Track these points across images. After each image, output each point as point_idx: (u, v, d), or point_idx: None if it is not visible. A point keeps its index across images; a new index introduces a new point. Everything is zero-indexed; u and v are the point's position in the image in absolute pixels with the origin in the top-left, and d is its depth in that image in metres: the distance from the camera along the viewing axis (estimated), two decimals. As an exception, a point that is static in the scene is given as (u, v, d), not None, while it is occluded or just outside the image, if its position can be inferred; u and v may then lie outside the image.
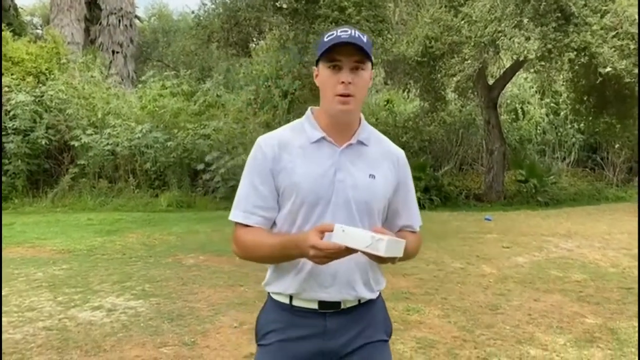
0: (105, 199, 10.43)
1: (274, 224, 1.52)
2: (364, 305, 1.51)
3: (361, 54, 1.42)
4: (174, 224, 7.47)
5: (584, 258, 5.44)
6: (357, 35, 1.44)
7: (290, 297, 1.50)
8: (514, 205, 10.68)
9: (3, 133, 10.06)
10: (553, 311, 3.94)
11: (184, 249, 5.89)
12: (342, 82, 1.42)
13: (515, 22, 6.82)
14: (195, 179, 10.83)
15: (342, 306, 1.48)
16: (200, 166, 10.33)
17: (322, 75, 1.46)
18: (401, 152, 1.62)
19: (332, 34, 1.43)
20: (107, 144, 10.57)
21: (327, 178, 1.46)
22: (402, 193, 1.59)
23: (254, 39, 9.75)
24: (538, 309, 3.97)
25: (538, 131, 14.93)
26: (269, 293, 1.56)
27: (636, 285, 4.54)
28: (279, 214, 1.51)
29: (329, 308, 1.47)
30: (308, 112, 1.59)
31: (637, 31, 6.27)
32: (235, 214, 1.51)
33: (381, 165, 1.55)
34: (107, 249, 5.97)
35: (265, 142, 1.51)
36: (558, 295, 4.34)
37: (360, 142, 1.53)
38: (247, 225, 1.49)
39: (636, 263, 5.26)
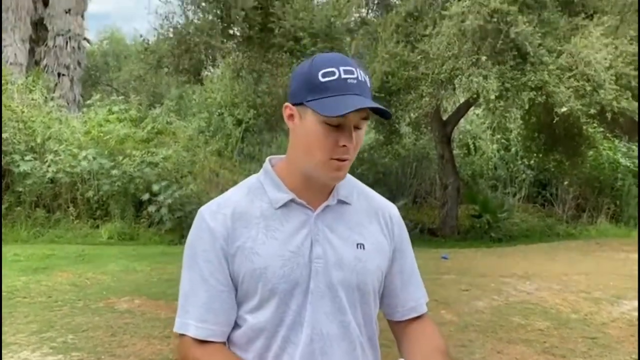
0: (41, 229, 9.68)
1: (236, 324, 1.10)
2: None
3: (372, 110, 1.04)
4: (110, 260, 6.88)
5: (545, 303, 5.25)
6: (367, 83, 1.04)
7: None
8: (468, 240, 10.58)
9: None
10: (518, 366, 3.67)
11: (118, 291, 5.34)
12: (344, 145, 1.03)
13: (473, 59, 6.76)
14: (140, 209, 10.23)
15: None
16: (146, 196, 9.76)
17: (313, 130, 1.05)
18: (393, 207, 1.23)
19: (333, 77, 1.03)
20: (48, 171, 9.86)
21: (302, 256, 1.07)
22: (399, 263, 1.19)
23: (207, 67, 9.41)
24: (502, 364, 3.70)
25: (490, 166, 15.12)
26: None
27: (600, 335, 4.35)
28: (240, 312, 1.09)
29: None
30: (267, 165, 1.15)
31: (592, 73, 6.31)
32: (182, 324, 1.08)
33: (370, 227, 1.15)
34: (31, 290, 5.34)
35: (212, 215, 1.09)
36: (522, 346, 4.08)
37: (342, 202, 1.13)
38: (198, 341, 1.06)
39: (597, 308, 5.11)
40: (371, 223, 1.16)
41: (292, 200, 1.10)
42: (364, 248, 1.12)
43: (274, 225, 1.09)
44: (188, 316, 1.08)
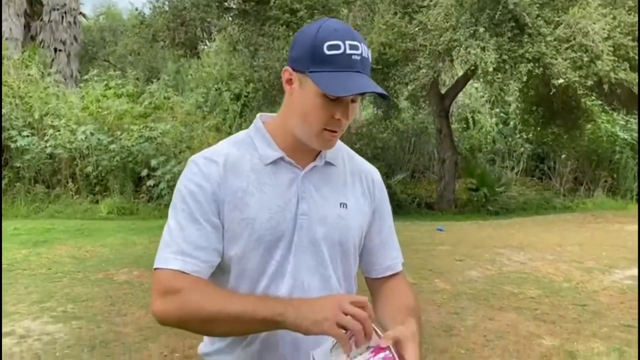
0: (40, 205, 9.73)
1: (219, 268, 1.11)
2: None
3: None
4: (109, 234, 6.95)
5: (537, 272, 5.33)
6: (369, 59, 1.06)
7: None
8: (465, 214, 10.64)
9: None
10: (509, 331, 3.74)
11: (116, 263, 5.42)
12: (338, 119, 1.07)
13: (471, 31, 6.71)
14: (139, 184, 10.27)
15: None
16: (144, 172, 9.79)
17: (311, 100, 1.06)
18: (376, 172, 1.27)
19: (338, 51, 1.03)
20: (46, 146, 9.86)
21: (289, 211, 1.10)
22: (378, 224, 1.24)
23: (203, 41, 9.34)
24: (493, 330, 3.77)
25: (488, 140, 15.10)
26: None
27: (590, 302, 4.43)
28: (223, 258, 1.11)
29: None
30: (257, 122, 1.18)
31: (590, 43, 6.27)
32: (166, 259, 1.06)
33: (353, 189, 1.20)
34: (31, 262, 5.42)
35: (206, 161, 1.11)
36: (513, 313, 4.16)
37: (328, 163, 1.17)
38: (183, 273, 1.05)
39: (588, 277, 5.18)
40: (354, 184, 1.21)
41: (281, 158, 1.13)
42: (346, 207, 1.17)
43: (264, 180, 1.12)
44: (172, 250, 1.06)
